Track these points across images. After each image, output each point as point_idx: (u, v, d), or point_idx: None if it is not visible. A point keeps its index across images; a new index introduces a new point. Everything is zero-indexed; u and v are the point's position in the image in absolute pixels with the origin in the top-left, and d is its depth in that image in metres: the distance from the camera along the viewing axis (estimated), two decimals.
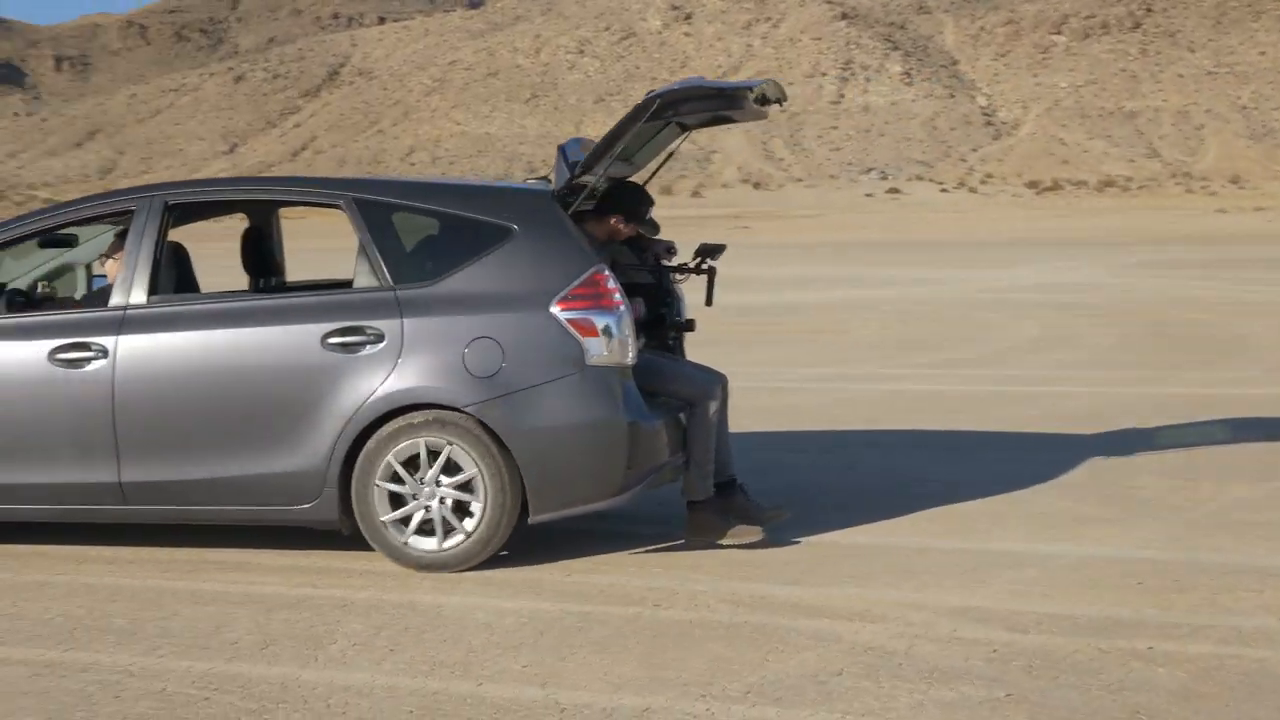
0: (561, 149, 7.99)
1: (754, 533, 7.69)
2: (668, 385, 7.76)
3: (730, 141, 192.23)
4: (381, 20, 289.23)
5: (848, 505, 8.82)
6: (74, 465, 7.50)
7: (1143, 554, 7.49)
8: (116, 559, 7.73)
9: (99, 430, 7.44)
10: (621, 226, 7.97)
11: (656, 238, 8.32)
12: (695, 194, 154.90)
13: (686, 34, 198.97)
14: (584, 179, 7.61)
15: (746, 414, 11.51)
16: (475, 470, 7.18)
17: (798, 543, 7.85)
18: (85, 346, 7.50)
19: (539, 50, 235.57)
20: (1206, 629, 6.20)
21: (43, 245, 8.36)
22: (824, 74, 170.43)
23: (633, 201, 8.00)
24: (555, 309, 7.21)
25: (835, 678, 5.64)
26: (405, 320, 7.26)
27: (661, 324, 8.23)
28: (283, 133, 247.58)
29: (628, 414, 7.27)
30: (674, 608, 6.64)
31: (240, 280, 8.80)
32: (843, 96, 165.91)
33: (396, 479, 7.26)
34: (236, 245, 8.47)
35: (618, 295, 7.28)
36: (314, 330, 7.31)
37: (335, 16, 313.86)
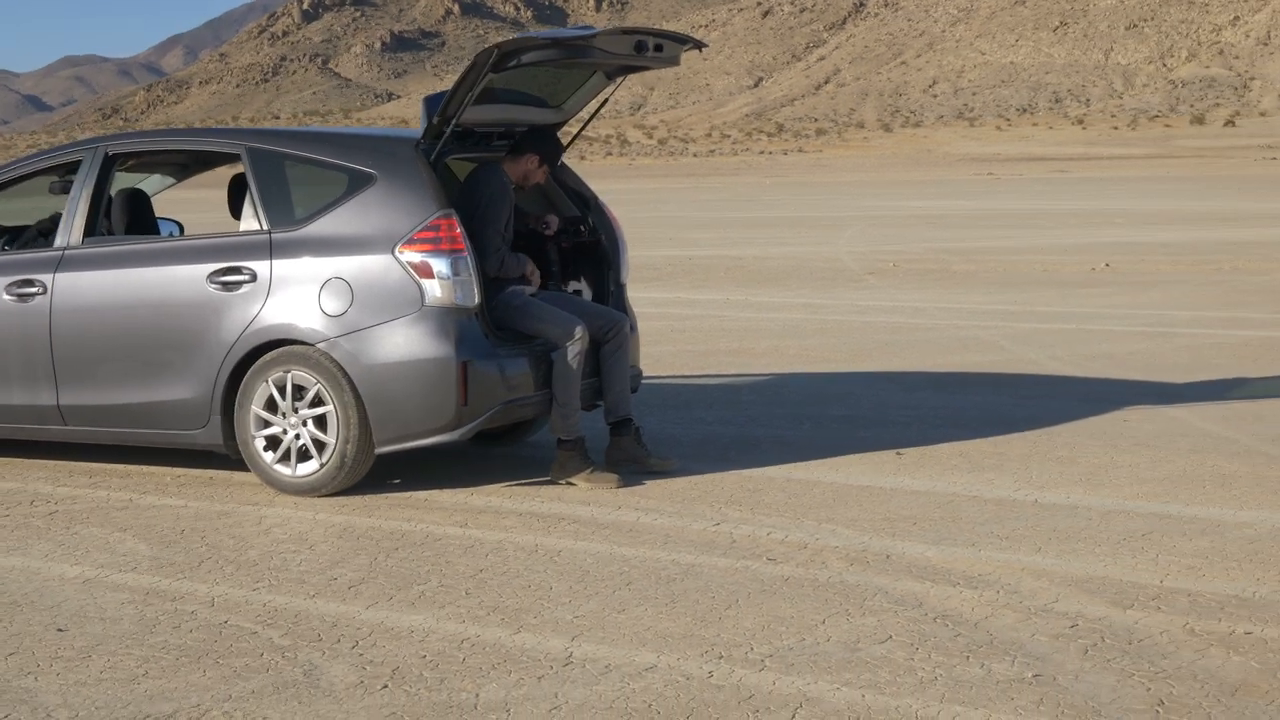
0: (426, 100, 8.16)
1: (610, 479, 7.89)
2: (532, 325, 8.03)
3: (1273, 68, 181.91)
4: None
5: (1078, 457, 8.32)
6: (24, 389, 8.48)
7: None
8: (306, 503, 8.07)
9: (41, 359, 8.38)
10: (534, 168, 8.33)
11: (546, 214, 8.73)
12: (1229, 123, 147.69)
13: None
14: (443, 128, 7.91)
15: None
16: (328, 402, 7.71)
17: (970, 497, 7.47)
18: (31, 283, 8.43)
19: None
20: None
21: (52, 192, 9.03)
22: None
23: (552, 146, 8.40)
24: (398, 252, 7.66)
25: (876, 646, 5.33)
26: (275, 261, 7.88)
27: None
28: (807, 66, 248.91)
29: (462, 353, 7.64)
30: (788, 563, 6.43)
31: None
32: None
33: (268, 408, 7.85)
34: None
35: (461, 240, 7.66)
36: (201, 270, 8.02)
37: None
